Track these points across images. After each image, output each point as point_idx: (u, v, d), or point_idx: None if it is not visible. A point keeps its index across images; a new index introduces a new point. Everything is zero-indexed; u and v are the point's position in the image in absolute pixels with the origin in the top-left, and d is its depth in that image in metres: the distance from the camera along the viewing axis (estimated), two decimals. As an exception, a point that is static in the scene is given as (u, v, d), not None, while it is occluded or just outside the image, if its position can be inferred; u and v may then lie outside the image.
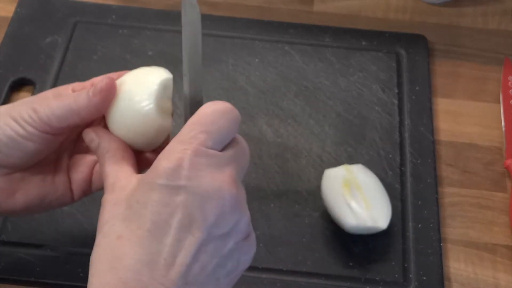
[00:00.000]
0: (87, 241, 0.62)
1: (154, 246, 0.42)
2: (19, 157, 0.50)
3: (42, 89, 0.71)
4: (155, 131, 0.49)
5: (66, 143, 0.54)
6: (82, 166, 0.54)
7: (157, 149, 0.50)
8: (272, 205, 0.65)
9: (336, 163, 0.68)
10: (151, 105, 0.49)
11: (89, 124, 0.52)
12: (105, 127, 0.51)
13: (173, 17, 0.78)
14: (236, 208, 0.44)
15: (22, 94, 0.72)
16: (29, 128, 0.49)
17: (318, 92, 0.73)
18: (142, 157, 0.52)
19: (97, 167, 0.54)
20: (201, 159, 0.43)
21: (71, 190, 0.53)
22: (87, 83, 0.52)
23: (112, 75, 0.52)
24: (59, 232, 0.62)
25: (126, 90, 0.49)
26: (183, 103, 0.48)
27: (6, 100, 0.71)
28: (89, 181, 0.54)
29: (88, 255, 0.61)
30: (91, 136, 0.50)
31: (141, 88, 0.49)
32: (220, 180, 0.43)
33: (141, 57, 0.74)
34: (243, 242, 0.45)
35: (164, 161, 0.43)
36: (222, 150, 0.45)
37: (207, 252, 0.43)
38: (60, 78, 0.72)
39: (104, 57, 0.74)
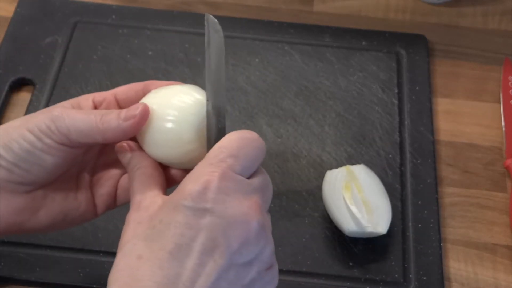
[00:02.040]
0: (87, 241, 0.62)
1: (174, 269, 0.41)
2: (38, 172, 0.47)
3: (42, 89, 0.71)
4: (187, 150, 0.48)
5: (87, 158, 0.52)
6: (107, 181, 0.52)
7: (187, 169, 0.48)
8: (272, 205, 0.64)
9: (336, 163, 0.68)
10: (183, 124, 0.47)
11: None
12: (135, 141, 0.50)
13: (173, 17, 0.78)
14: (261, 237, 0.43)
15: (22, 94, 0.72)
16: (46, 140, 0.46)
17: (318, 92, 0.73)
18: (169, 174, 0.50)
19: (121, 181, 0.52)
20: (228, 183, 0.43)
21: (94, 205, 0.52)
22: (109, 94, 0.50)
23: (137, 85, 0.50)
24: (59, 232, 0.61)
25: (158, 109, 0.48)
26: (206, 125, 0.47)
27: (6, 100, 0.71)
28: (113, 195, 0.52)
29: (88, 255, 0.61)
30: (124, 150, 0.49)
31: (175, 108, 0.48)
32: (247, 206, 0.43)
33: (141, 57, 0.74)
34: (266, 272, 0.44)
35: (191, 183, 0.42)
36: (248, 178, 0.44)
37: (228, 279, 0.42)
38: (60, 78, 0.72)
39: (104, 57, 0.74)
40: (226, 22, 0.78)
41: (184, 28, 0.77)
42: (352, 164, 0.65)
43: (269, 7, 0.81)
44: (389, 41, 0.77)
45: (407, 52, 0.76)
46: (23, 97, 0.72)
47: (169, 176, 0.50)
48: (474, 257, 0.63)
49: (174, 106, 0.48)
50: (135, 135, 0.48)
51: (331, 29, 0.78)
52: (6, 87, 0.71)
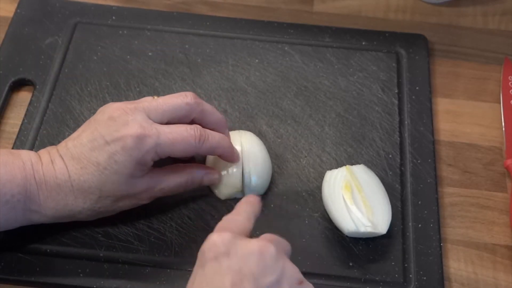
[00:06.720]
0: (87, 241, 0.62)
1: None
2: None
3: (42, 89, 0.71)
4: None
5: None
6: None
7: None
8: (272, 205, 0.65)
9: (336, 163, 0.68)
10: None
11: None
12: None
13: (173, 17, 0.78)
14: (279, 257, 0.50)
15: (22, 94, 0.72)
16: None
17: (318, 92, 0.73)
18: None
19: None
20: (232, 238, 0.50)
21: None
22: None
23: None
24: (59, 232, 0.62)
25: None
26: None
27: (6, 100, 0.71)
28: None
29: (88, 255, 0.61)
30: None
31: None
32: (256, 241, 0.50)
33: (141, 58, 0.74)
34: (299, 287, 0.50)
35: (204, 244, 0.51)
36: None
37: None
38: (60, 79, 0.72)
39: (104, 58, 0.74)
40: (226, 22, 0.78)
41: (184, 29, 0.77)
42: (352, 164, 0.65)
43: (269, 7, 0.81)
44: (389, 41, 0.77)
45: (407, 52, 0.76)
46: (23, 97, 0.72)
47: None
48: (474, 257, 0.63)
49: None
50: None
51: (331, 29, 0.78)
52: (6, 88, 0.71)
